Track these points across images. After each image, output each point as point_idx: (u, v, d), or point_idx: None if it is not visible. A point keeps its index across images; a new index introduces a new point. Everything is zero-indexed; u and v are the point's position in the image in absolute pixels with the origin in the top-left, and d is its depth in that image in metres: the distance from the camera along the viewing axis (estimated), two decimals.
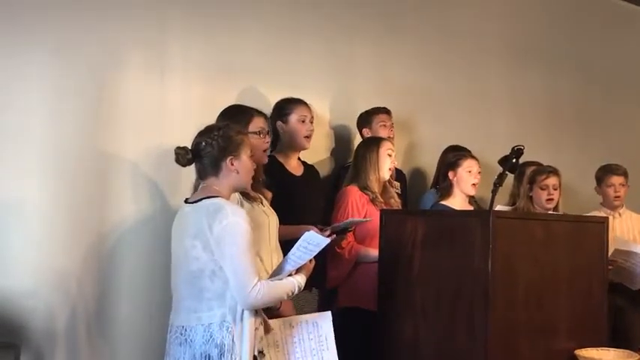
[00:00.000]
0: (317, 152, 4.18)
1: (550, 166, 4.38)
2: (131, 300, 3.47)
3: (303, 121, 3.74)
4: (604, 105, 5.87)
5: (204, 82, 3.73)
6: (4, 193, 3.19)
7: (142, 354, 3.44)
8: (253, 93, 3.88)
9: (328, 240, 2.77)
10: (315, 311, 3.67)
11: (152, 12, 3.59)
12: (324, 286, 3.75)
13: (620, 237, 4.29)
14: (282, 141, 3.77)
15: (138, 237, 3.49)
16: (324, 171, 4.24)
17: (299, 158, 3.84)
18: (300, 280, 2.76)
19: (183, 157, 2.75)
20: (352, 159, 4.02)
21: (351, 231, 3.64)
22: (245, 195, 3.07)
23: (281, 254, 3.16)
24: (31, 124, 3.25)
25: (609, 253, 3.63)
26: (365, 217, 3.70)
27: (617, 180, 4.55)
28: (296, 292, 2.75)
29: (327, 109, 4.32)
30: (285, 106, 3.76)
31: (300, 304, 3.48)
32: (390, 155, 3.89)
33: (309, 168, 3.88)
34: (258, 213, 3.09)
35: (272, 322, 2.91)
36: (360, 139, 4.25)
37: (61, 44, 3.33)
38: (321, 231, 3.33)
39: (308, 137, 3.76)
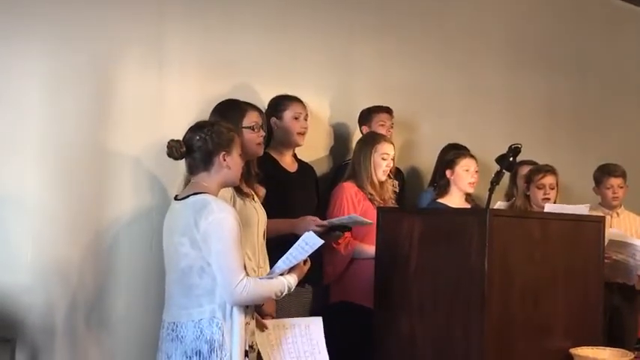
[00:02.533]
0: (315, 150, 4.19)
1: (547, 165, 4.39)
2: (129, 295, 3.48)
3: (297, 118, 3.75)
4: (602, 104, 5.87)
5: (202, 77, 3.73)
6: (2, 188, 3.19)
7: (139, 348, 3.44)
8: (251, 89, 3.88)
9: (322, 241, 2.75)
10: (307, 307, 3.69)
11: (150, 7, 3.59)
12: (317, 283, 3.75)
13: (615, 230, 4.28)
14: (275, 137, 3.78)
15: (136, 232, 3.49)
16: (322, 168, 4.24)
17: (294, 155, 3.85)
18: (291, 280, 2.76)
19: (177, 150, 2.74)
20: (352, 155, 4.02)
21: (350, 230, 3.64)
22: (238, 190, 3.07)
23: (266, 252, 3.17)
24: (30, 120, 3.25)
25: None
26: (361, 213, 3.70)
27: (615, 182, 4.55)
28: (285, 292, 2.74)
29: (326, 106, 4.32)
30: (280, 103, 3.78)
31: (293, 300, 3.48)
32: (384, 159, 3.88)
33: (303, 165, 3.89)
34: (249, 209, 3.09)
35: (266, 323, 2.93)
36: (360, 136, 4.26)
37: (58, 39, 3.32)
38: (315, 222, 3.34)
39: (301, 134, 3.76)
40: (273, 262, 2.96)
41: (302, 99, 3.84)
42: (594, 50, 5.85)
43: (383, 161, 3.87)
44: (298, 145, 3.82)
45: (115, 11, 3.47)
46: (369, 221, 3.54)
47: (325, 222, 3.41)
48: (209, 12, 3.79)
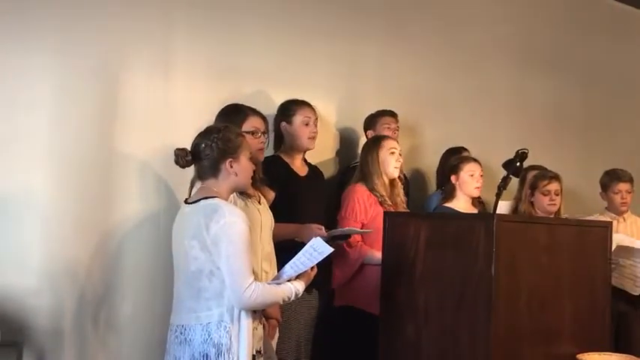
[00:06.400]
0: (322, 153, 4.19)
1: (551, 172, 4.34)
2: (137, 297, 3.49)
3: (307, 124, 3.75)
4: (610, 109, 5.86)
5: (209, 82, 3.74)
6: (10, 191, 3.20)
7: (147, 351, 3.45)
8: (259, 93, 3.89)
9: (332, 249, 2.76)
10: (314, 312, 3.68)
11: (158, 11, 3.60)
12: (324, 288, 3.74)
13: (621, 235, 4.27)
14: (286, 142, 3.79)
15: (144, 235, 3.51)
16: (329, 171, 4.25)
17: (304, 159, 3.85)
18: (299, 286, 2.76)
19: (182, 158, 2.76)
20: (359, 160, 4.01)
21: (350, 237, 3.63)
22: (240, 192, 3.08)
23: (273, 254, 3.17)
24: (38, 123, 3.27)
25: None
26: (372, 218, 3.70)
27: (623, 187, 4.55)
28: (293, 298, 2.75)
29: (333, 110, 4.33)
30: (290, 107, 3.79)
31: (300, 305, 3.48)
32: (393, 153, 3.87)
33: (313, 169, 3.90)
34: (252, 211, 3.09)
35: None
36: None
37: (66, 43, 3.34)
38: (320, 231, 3.34)
39: (311, 139, 3.77)
40: (279, 266, 2.96)
41: (309, 103, 3.84)
42: (602, 55, 5.83)
43: (392, 156, 3.85)
44: (308, 150, 3.82)
45: (123, 16, 3.48)
46: (368, 230, 3.55)
47: (326, 233, 3.40)
48: (216, 17, 3.80)
